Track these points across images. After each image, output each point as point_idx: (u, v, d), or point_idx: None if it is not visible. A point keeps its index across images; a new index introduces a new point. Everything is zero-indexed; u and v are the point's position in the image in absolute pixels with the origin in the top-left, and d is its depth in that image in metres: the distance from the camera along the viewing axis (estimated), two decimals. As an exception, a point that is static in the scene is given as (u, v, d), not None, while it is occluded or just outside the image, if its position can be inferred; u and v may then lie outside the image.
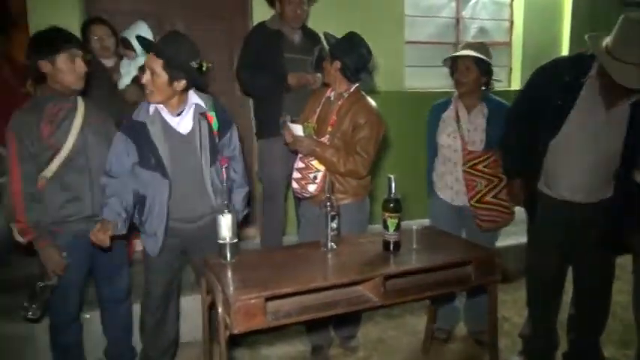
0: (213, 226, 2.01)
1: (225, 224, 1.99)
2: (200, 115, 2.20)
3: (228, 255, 2.01)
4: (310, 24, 3.50)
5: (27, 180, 2.17)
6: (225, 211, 1.99)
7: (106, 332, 2.58)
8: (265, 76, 3.18)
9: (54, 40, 2.17)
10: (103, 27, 3.04)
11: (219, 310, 1.76)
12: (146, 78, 2.09)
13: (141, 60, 2.98)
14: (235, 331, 1.69)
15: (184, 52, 2.09)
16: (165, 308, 2.41)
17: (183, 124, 2.19)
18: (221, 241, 2.01)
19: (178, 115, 2.18)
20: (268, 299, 1.72)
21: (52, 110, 2.20)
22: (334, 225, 2.12)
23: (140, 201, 2.23)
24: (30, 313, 2.22)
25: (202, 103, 2.22)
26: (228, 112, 2.36)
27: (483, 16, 5.08)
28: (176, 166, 2.18)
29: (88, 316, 2.64)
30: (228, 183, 2.09)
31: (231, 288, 1.75)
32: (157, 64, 2.05)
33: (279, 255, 2.18)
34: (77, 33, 2.64)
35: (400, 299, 1.99)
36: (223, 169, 2.13)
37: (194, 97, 2.21)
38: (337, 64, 2.48)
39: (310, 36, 3.38)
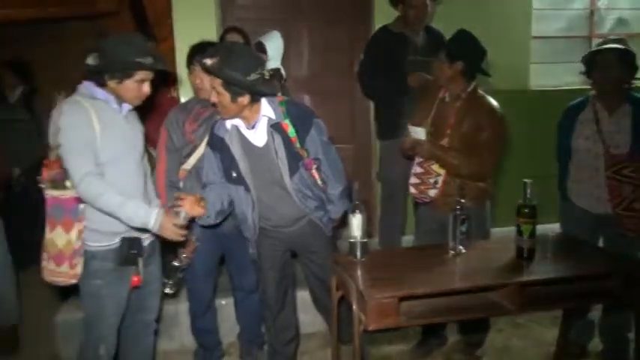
0: (315, 227, 2.07)
1: (356, 224, 2.06)
2: (272, 126, 2.14)
3: (359, 253, 2.07)
4: (434, 22, 3.47)
5: (170, 169, 2.45)
6: (356, 211, 2.06)
7: (239, 319, 2.80)
8: (386, 78, 3.22)
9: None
10: (238, 35, 3.28)
11: (354, 306, 1.83)
12: (213, 97, 2.06)
13: (271, 64, 3.16)
14: (370, 328, 1.75)
15: (240, 69, 1.96)
16: (281, 304, 2.47)
17: (258, 136, 2.18)
18: (352, 240, 2.09)
19: (253, 127, 2.15)
20: (402, 299, 1.76)
21: (199, 111, 2.46)
22: (463, 228, 2.10)
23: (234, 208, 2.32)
24: (167, 288, 2.49)
25: (272, 114, 2.13)
26: (306, 111, 2.28)
27: (622, 5, 4.64)
28: (257, 180, 2.20)
29: (224, 302, 2.88)
30: (319, 185, 2.14)
31: (366, 286, 1.81)
32: (218, 84, 2.00)
33: (407, 256, 2.21)
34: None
35: (535, 309, 1.95)
36: (313, 171, 2.18)
37: (265, 108, 2.13)
38: (458, 65, 2.42)
39: (435, 37, 3.35)
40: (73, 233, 1.87)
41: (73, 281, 1.93)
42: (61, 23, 5.28)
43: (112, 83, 1.93)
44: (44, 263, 1.93)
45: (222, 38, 3.29)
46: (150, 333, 2.32)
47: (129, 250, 2.01)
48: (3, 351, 2.92)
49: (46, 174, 1.88)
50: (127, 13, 6.19)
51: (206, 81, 2.33)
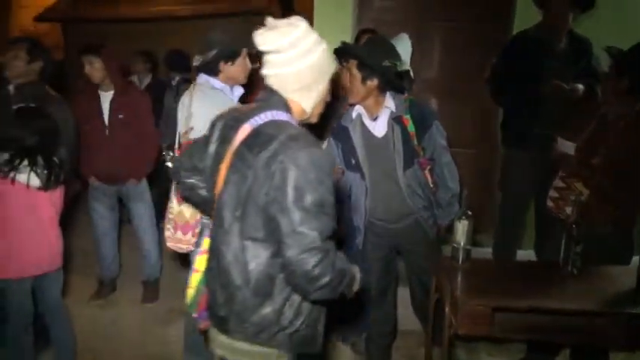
0: (420, 227, 2.09)
1: (461, 229, 2.08)
2: (394, 119, 2.24)
3: (460, 259, 2.09)
4: (581, 29, 3.24)
5: None
6: (463, 217, 2.08)
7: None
8: (519, 85, 3.10)
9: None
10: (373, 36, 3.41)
11: (446, 309, 1.87)
12: (345, 80, 2.21)
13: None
14: (459, 333, 1.78)
15: (378, 53, 2.14)
16: (383, 297, 2.55)
17: (379, 127, 2.28)
18: (455, 245, 2.11)
19: (375, 119, 2.27)
20: (497, 310, 1.76)
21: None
22: (578, 249, 2.00)
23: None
24: None
25: (394, 107, 2.23)
26: (428, 111, 2.36)
27: None
28: (372, 169, 2.31)
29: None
30: (430, 186, 2.16)
31: (461, 291, 1.84)
32: (353, 65, 2.14)
33: (513, 268, 2.17)
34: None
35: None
36: (426, 172, 2.19)
37: (389, 101, 2.24)
38: (625, 82, 2.22)
39: (578, 42, 3.14)
40: None
41: (192, 249, 2.21)
42: (208, 20, 5.90)
43: (225, 67, 2.19)
44: (169, 233, 2.22)
45: (357, 39, 3.45)
46: None
47: None
48: (148, 300, 3.45)
49: (179, 154, 2.14)
50: (277, 10, 6.72)
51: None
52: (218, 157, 1.40)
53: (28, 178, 2.21)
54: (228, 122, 1.43)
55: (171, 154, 2.15)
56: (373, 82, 2.15)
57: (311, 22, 3.88)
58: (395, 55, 2.23)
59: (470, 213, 2.09)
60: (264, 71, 1.39)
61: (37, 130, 2.24)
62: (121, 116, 3.14)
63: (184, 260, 2.39)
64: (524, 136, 3.15)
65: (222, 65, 2.18)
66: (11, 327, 2.36)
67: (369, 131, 2.30)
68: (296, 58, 1.34)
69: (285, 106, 1.37)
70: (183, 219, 2.15)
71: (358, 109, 2.30)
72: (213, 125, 1.51)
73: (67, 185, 2.47)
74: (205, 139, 1.51)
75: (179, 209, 2.15)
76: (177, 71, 4.61)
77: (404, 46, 3.29)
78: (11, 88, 2.63)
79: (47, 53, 2.76)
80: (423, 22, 3.87)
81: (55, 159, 2.32)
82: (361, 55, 2.13)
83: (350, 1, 3.77)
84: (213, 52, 2.15)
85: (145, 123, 3.26)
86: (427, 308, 2.26)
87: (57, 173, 2.31)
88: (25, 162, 2.21)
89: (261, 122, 1.33)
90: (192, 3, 6.28)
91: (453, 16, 3.87)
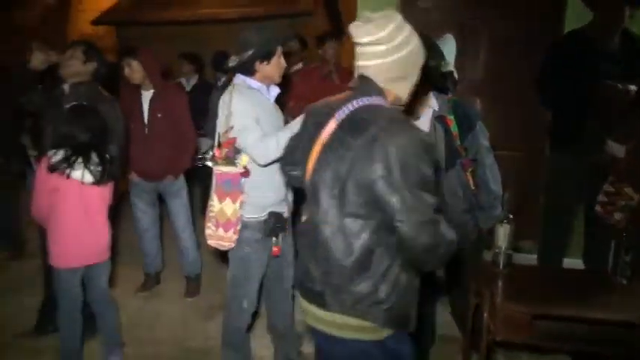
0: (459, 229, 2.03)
1: (502, 234, 2.04)
2: (436, 119, 2.22)
3: (501, 264, 2.04)
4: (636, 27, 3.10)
5: None
6: (505, 221, 2.03)
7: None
8: (569, 87, 2.99)
9: None
10: None
11: (485, 314, 1.83)
12: None
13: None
14: (497, 339, 1.74)
15: None
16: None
17: (422, 126, 2.23)
18: (496, 250, 2.07)
19: (417, 118, 2.25)
20: (537, 317, 1.71)
21: None
22: (627, 259, 1.91)
23: None
24: None
25: (437, 107, 2.22)
26: (472, 112, 2.32)
27: None
28: None
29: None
30: (471, 188, 2.10)
31: (500, 297, 1.80)
32: None
33: (557, 275, 2.10)
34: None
35: None
36: (468, 174, 2.14)
37: (432, 101, 2.23)
38: None
39: (631, 42, 3.00)
40: (238, 203, 2.20)
41: (233, 245, 2.26)
42: (254, 22, 5.99)
43: (261, 67, 2.22)
44: (210, 231, 2.25)
45: None
46: (289, 298, 2.61)
47: (275, 224, 2.29)
48: (190, 294, 3.55)
49: (219, 153, 2.20)
50: (322, 12, 6.76)
51: None
52: (311, 144, 1.46)
53: (82, 174, 2.33)
54: (323, 110, 1.48)
55: (211, 153, 2.20)
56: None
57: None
58: (439, 55, 2.20)
59: (511, 217, 2.04)
60: (359, 62, 1.43)
61: (88, 128, 2.35)
62: (159, 115, 3.24)
63: (225, 257, 2.44)
64: (573, 139, 3.04)
65: (257, 65, 2.22)
66: (61, 313, 2.49)
67: None
68: (393, 50, 1.39)
69: (381, 94, 1.42)
70: (224, 217, 2.19)
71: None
72: (305, 118, 1.59)
73: (117, 181, 2.58)
74: (301, 132, 1.59)
75: (220, 207, 2.19)
76: (223, 72, 4.72)
77: (449, 47, 3.24)
78: (66, 87, 2.77)
79: (101, 55, 2.88)
80: (468, 23, 3.80)
81: (107, 156, 2.43)
82: None
83: (394, 2, 3.75)
84: (249, 52, 2.19)
85: (183, 122, 3.35)
86: (466, 313, 2.21)
87: (108, 169, 2.42)
88: (80, 159, 2.33)
89: (358, 107, 1.38)
90: (238, 6, 6.41)
91: (500, 15, 3.78)
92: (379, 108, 1.39)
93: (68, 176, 2.30)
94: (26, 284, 3.54)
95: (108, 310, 2.65)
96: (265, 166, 2.19)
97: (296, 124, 2.28)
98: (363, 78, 1.42)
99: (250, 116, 2.15)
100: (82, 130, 2.33)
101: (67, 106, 2.44)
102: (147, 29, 6.53)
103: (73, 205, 2.37)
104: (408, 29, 1.42)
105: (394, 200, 1.27)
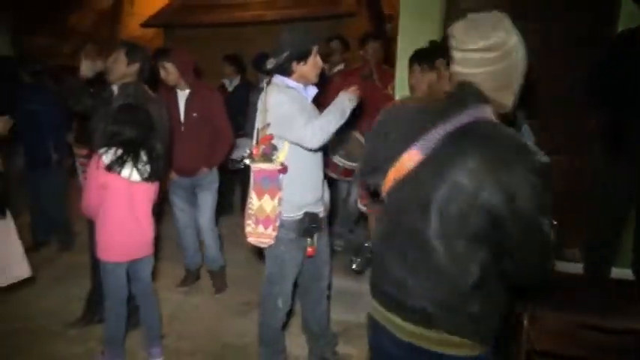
0: None
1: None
2: None
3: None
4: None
5: None
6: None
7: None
8: (619, 88, 2.87)
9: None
10: None
11: (525, 322, 1.78)
12: (412, 78, 2.37)
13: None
14: (537, 348, 1.68)
15: None
16: None
17: None
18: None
19: None
20: (582, 327, 1.64)
21: None
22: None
23: None
24: (354, 265, 2.68)
25: None
26: (521, 115, 2.30)
27: None
28: None
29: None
30: None
31: (541, 305, 1.74)
32: (443, 63, 2.15)
33: (604, 285, 2.02)
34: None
35: None
36: None
37: None
38: None
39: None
40: (277, 200, 2.22)
41: (272, 242, 2.27)
42: (298, 23, 6.04)
43: (298, 67, 2.23)
44: (250, 228, 2.27)
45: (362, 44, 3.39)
46: (324, 298, 2.62)
47: (310, 224, 2.30)
48: (218, 290, 3.62)
49: (257, 150, 2.22)
50: (365, 13, 6.75)
51: (422, 82, 2.49)
52: (399, 151, 1.37)
53: (130, 172, 2.41)
54: (415, 116, 1.41)
55: (248, 151, 2.23)
56: None
57: (396, 26, 3.86)
58: None
59: (555, 222, 1.97)
60: (461, 69, 1.35)
61: (136, 126, 2.43)
62: (195, 114, 3.33)
63: (262, 254, 2.48)
64: (624, 142, 2.90)
65: (294, 65, 2.24)
66: (107, 304, 2.59)
67: None
68: (503, 57, 1.31)
69: (487, 104, 1.33)
70: (263, 213, 2.21)
71: None
72: (383, 122, 1.51)
73: (162, 179, 2.66)
74: (376, 137, 1.51)
75: (259, 204, 2.21)
76: (264, 73, 4.78)
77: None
78: (115, 88, 2.87)
79: (144, 55, 2.94)
80: (516, 24, 3.69)
81: (154, 154, 2.51)
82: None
83: (437, 4, 3.69)
84: (285, 53, 2.21)
85: (219, 119, 3.42)
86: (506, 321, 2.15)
87: (155, 167, 2.50)
88: (129, 157, 2.40)
89: (471, 120, 1.29)
90: (281, 8, 6.49)
91: (550, 17, 3.65)
92: (498, 126, 1.30)
93: (118, 174, 2.39)
94: (74, 275, 3.70)
95: (150, 303, 2.74)
96: (310, 154, 2.21)
97: (336, 111, 2.26)
98: (468, 86, 1.33)
99: (291, 105, 2.17)
100: (130, 129, 2.41)
101: (116, 105, 2.53)
102: (193, 31, 6.70)
103: (121, 202, 2.46)
104: (515, 33, 1.34)
105: (521, 230, 1.22)
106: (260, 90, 4.67)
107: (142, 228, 2.56)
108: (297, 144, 2.18)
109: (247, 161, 2.21)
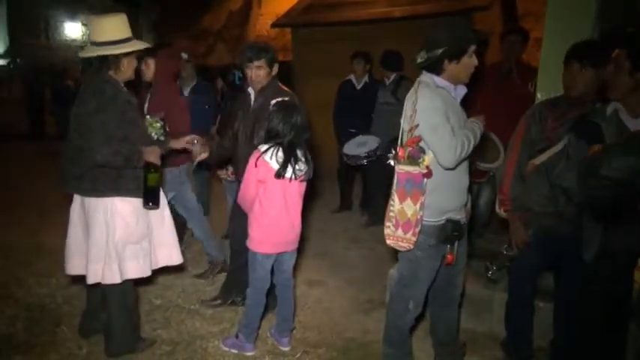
0: None
1: None
2: None
3: None
4: None
5: (521, 161, 2.50)
6: None
7: (554, 327, 2.66)
8: None
9: None
10: None
11: None
12: (570, 75, 2.25)
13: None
14: None
15: None
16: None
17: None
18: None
19: (637, 117, 2.03)
20: None
21: (565, 110, 2.41)
22: None
23: None
24: (490, 272, 2.53)
25: None
26: None
27: None
28: None
29: (541, 305, 2.79)
30: None
31: None
32: (621, 54, 1.99)
33: None
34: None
35: None
36: None
37: None
38: None
39: None
40: (419, 205, 2.15)
41: (411, 247, 2.20)
42: (425, 20, 5.88)
43: (450, 66, 2.14)
44: (389, 230, 2.22)
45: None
46: (455, 305, 2.53)
47: (452, 231, 2.21)
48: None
49: (402, 152, 2.17)
50: (497, 8, 6.38)
51: (579, 80, 2.29)
52: None
53: (291, 172, 2.51)
54: None
55: (393, 151, 2.19)
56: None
57: (541, 22, 3.57)
58: None
59: None
60: None
61: (292, 125, 2.50)
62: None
63: (394, 256, 2.44)
64: None
65: (446, 64, 2.15)
66: (250, 291, 2.75)
67: (628, 129, 2.06)
68: None
69: None
70: (404, 217, 2.16)
71: (615, 105, 2.08)
72: None
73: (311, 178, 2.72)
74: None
75: (400, 207, 2.16)
76: (391, 70, 4.75)
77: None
78: (251, 90, 2.96)
79: (272, 56, 2.89)
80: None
81: (308, 154, 2.59)
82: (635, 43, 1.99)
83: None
84: (440, 50, 2.13)
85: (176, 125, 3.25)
86: None
87: (309, 167, 2.59)
88: (290, 158, 2.50)
89: None
90: (407, 4, 6.37)
91: None
92: None
93: (279, 176, 2.48)
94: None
95: (289, 295, 2.85)
96: (449, 169, 2.13)
97: (480, 127, 2.18)
98: None
99: (440, 114, 2.10)
100: (289, 128, 2.49)
101: (273, 102, 2.59)
102: (320, 30, 6.85)
103: (277, 198, 2.57)
104: None
105: None
106: (385, 87, 4.71)
107: (293, 224, 2.67)
108: (434, 155, 2.12)
109: (392, 162, 2.18)
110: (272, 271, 2.77)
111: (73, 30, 16.75)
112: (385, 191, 2.25)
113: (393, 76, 4.73)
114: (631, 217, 2.03)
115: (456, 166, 2.14)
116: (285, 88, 2.96)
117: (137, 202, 2.51)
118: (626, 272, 2.23)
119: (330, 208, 5.47)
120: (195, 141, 2.79)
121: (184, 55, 4.17)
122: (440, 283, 2.43)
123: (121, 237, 2.48)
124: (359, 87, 5.00)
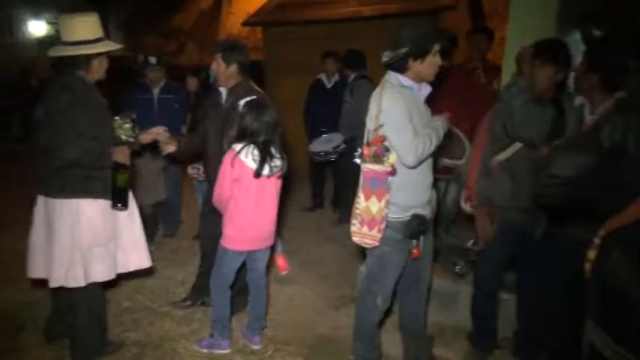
0: None
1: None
2: None
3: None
4: None
5: (486, 156, 2.54)
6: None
7: (517, 317, 2.74)
8: None
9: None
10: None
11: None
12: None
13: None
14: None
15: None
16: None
17: None
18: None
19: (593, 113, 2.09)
20: None
21: None
22: None
23: None
24: (457, 267, 2.58)
25: None
26: None
27: None
28: None
29: (505, 296, 2.86)
30: None
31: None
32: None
33: None
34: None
35: None
36: None
37: None
38: None
39: None
40: (383, 202, 2.18)
41: (376, 244, 2.24)
42: (394, 19, 5.95)
43: (415, 65, 2.18)
44: (355, 228, 2.26)
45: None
46: (423, 299, 2.57)
47: (418, 226, 2.26)
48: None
49: (368, 150, 2.20)
50: (463, 8, 6.50)
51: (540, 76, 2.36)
52: None
53: (268, 169, 2.51)
54: None
55: (360, 150, 2.21)
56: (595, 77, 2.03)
57: (505, 21, 3.66)
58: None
59: None
60: None
61: (265, 123, 2.51)
62: None
63: (362, 253, 2.48)
64: None
65: (410, 63, 2.19)
66: (216, 287, 2.73)
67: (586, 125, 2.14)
68: None
69: None
70: (369, 215, 2.19)
71: (582, 99, 2.20)
72: None
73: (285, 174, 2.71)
74: None
75: (366, 205, 2.19)
76: (352, 69, 4.79)
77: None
78: (222, 90, 2.94)
79: (241, 53, 2.88)
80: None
81: (280, 150, 2.59)
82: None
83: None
84: (404, 49, 2.16)
85: None
86: None
87: (284, 163, 2.59)
88: (265, 155, 2.50)
89: None
90: (377, 3, 6.42)
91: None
92: None
93: (258, 175, 2.49)
94: (177, 260, 3.94)
95: (261, 293, 2.85)
96: (413, 167, 2.17)
97: (444, 126, 2.23)
98: None
99: (403, 115, 2.13)
100: (261, 125, 2.49)
101: (242, 102, 2.59)
102: (290, 29, 6.85)
103: (251, 196, 2.56)
104: None
105: None
106: (349, 86, 4.74)
107: (268, 221, 2.67)
108: (397, 154, 2.15)
109: (358, 161, 2.20)
110: (245, 270, 2.77)
111: (37, 28, 16.27)
112: (355, 189, 2.27)
113: (353, 75, 4.77)
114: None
115: (420, 163, 2.18)
116: (257, 88, 2.95)
117: (105, 203, 2.48)
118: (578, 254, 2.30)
119: (301, 206, 5.48)
120: (162, 130, 2.79)
121: (152, 60, 4.11)
122: (408, 278, 2.47)
123: (87, 239, 2.43)
124: (329, 86, 5.03)
